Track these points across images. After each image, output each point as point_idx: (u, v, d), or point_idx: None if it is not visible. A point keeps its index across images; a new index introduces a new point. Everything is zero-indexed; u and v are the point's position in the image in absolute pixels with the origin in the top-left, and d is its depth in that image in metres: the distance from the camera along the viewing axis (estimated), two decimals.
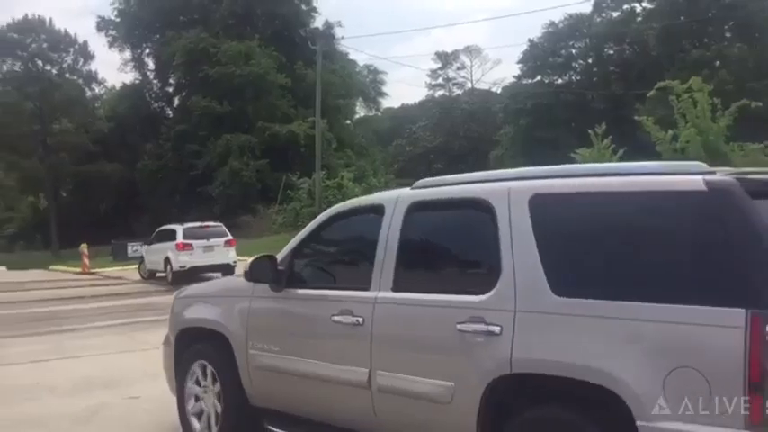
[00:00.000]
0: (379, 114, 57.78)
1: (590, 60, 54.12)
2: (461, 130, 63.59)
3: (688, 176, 3.16)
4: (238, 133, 37.53)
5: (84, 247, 26.30)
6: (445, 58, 71.57)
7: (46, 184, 41.86)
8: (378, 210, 4.28)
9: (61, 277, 23.29)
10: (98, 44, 75.07)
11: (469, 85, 72.61)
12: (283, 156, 36.35)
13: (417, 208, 4.07)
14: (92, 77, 44.29)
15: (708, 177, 3.07)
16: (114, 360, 8.73)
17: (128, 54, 44.76)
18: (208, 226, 20.56)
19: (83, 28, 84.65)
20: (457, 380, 3.54)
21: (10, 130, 40.06)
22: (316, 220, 4.86)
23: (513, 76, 58.37)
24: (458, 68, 72.40)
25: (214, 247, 19.19)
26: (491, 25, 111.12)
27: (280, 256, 4.78)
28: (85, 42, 43.27)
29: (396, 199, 4.21)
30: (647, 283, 3.12)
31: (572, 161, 24.33)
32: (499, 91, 66.26)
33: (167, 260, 19.35)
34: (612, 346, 3.06)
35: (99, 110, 44.71)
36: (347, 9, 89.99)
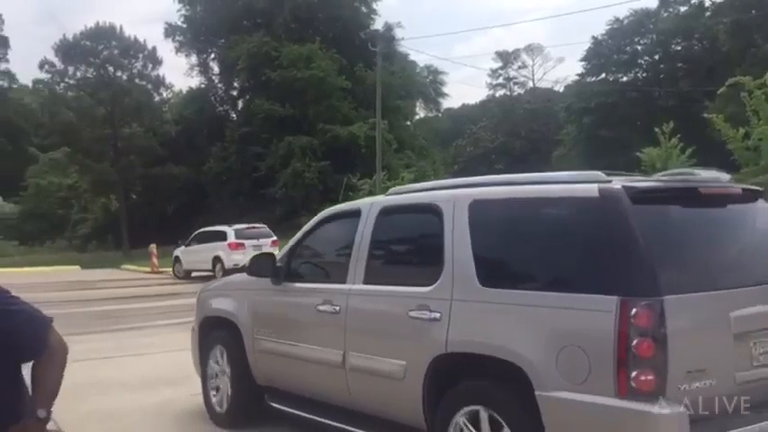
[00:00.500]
0: (440, 115, 57.59)
1: (656, 57, 52.66)
2: (523, 129, 62.86)
3: (587, 185, 3.64)
4: (300, 135, 37.98)
5: (153, 247, 27.16)
6: (506, 57, 70.83)
7: (117, 186, 43.25)
8: (356, 213, 4.96)
9: (131, 276, 24.10)
10: (166, 50, 77.53)
11: (531, 84, 71.69)
12: (344, 157, 36.62)
13: (386, 212, 4.75)
14: (160, 82, 45.49)
15: (602, 186, 3.57)
16: (178, 357, 8.97)
17: (194, 59, 45.85)
18: (255, 227, 22.39)
19: (151, 34, 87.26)
20: (408, 359, 4.16)
21: (84, 135, 41.61)
22: (309, 222, 5.59)
23: (577, 75, 57.34)
24: (519, 67, 71.58)
25: (262, 246, 20.27)
26: (553, 23, 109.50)
27: (279, 254, 5.65)
28: (154, 48, 44.54)
29: (370, 204, 4.94)
30: (548, 276, 3.72)
31: (638, 161, 23.76)
32: (562, 90, 65.28)
33: (217, 259, 21.00)
34: (519, 328, 3.61)
35: (166, 114, 45.83)
36: (407, 10, 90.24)
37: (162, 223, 38.24)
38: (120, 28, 44.29)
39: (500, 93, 72.80)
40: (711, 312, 3.45)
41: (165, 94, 47.28)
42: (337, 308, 4.73)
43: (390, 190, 5.27)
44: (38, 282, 22.58)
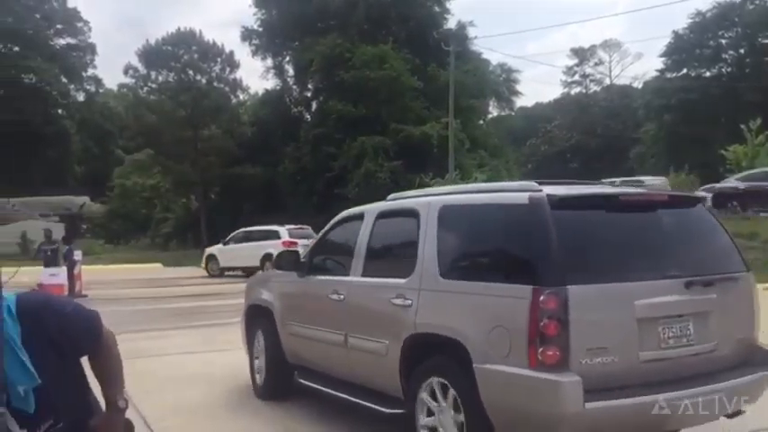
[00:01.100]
0: (513, 113, 56.90)
1: (742, 51, 50.50)
2: (599, 127, 61.37)
3: (521, 193, 4.38)
4: (373, 135, 38.21)
5: None
6: (582, 54, 69.39)
7: (196, 186, 44.61)
8: (360, 216, 5.88)
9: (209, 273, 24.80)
10: (243, 53, 79.40)
11: (608, 80, 70.02)
12: (417, 157, 36.65)
13: (381, 216, 5.68)
14: (237, 85, 46.58)
15: (531, 194, 4.27)
16: None
17: (269, 61, 46.70)
18: (302, 228, 24.39)
19: (229, 38, 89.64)
20: (389, 339, 4.97)
21: (165, 137, 43.11)
22: (328, 224, 6.51)
23: (656, 71, 55.60)
24: (595, 64, 70.05)
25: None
26: (631, 18, 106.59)
27: (304, 251, 6.77)
28: (231, 52, 45.66)
29: (371, 209, 5.87)
30: (488, 269, 4.51)
31: (722, 158, 22.87)
32: (640, 86, 63.37)
33: (268, 256, 21.91)
34: (464, 312, 4.39)
35: (243, 115, 46.85)
36: (480, 8, 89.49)
37: (239, 222, 39.14)
38: (200, 33, 45.62)
39: (575, 90, 71.41)
40: (614, 300, 4.08)
41: (241, 97, 48.39)
42: (342, 296, 5.64)
43: (389, 196, 6.08)
44: (122, 278, 23.62)
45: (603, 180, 32.39)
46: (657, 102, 51.60)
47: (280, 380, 6.64)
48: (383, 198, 6.20)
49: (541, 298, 3.89)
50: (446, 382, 4.46)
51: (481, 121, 45.15)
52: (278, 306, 6.63)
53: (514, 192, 4.52)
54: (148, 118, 44.14)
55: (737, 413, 4.49)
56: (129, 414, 6.19)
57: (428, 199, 5.23)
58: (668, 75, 52.90)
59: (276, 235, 23.56)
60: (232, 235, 26.12)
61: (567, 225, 4.16)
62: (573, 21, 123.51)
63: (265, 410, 6.50)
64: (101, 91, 57.52)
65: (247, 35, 46.28)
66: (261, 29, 46.16)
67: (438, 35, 41.15)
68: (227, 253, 25.12)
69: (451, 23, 44.19)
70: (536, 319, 3.89)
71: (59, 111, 49.77)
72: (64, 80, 50.92)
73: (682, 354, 4.20)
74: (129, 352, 8.42)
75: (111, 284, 21.89)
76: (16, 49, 49.10)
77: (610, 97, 65.45)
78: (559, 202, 4.20)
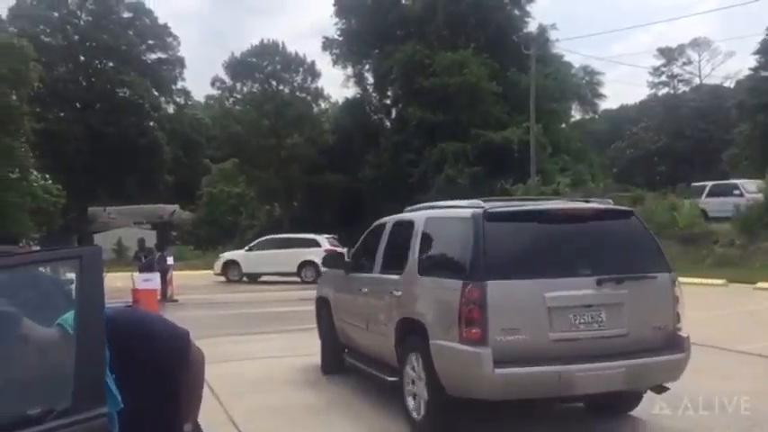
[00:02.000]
0: (597, 117, 55.43)
1: None
2: (688, 129, 59.01)
3: (469, 209, 5.68)
4: (453, 141, 38.13)
5: None
6: (669, 54, 67.01)
7: (280, 193, 45.65)
8: (384, 225, 7.37)
9: (294, 279, 25.27)
10: (323, 63, 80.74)
11: (697, 80, 67.31)
12: (497, 162, 36.32)
13: (395, 224, 7.13)
14: (318, 94, 47.40)
15: (473, 210, 5.61)
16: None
17: (349, 70, 47.29)
18: (334, 237, 26.50)
19: (310, 48, 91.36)
20: (389, 323, 6.36)
21: (250, 146, 44.37)
22: (367, 230, 7.94)
23: (750, 69, 52.91)
24: (683, 64, 67.49)
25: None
26: (721, 15, 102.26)
27: (350, 252, 8.84)
28: (313, 62, 46.53)
29: (391, 219, 7.35)
30: (444, 267, 5.87)
31: None
32: (732, 85, 60.61)
33: (308, 263, 24.33)
34: (426, 301, 5.84)
35: (324, 124, 47.58)
36: (561, 11, 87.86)
37: (321, 229, 39.78)
38: (282, 44, 46.70)
39: (663, 91, 69.01)
40: (527, 292, 5.26)
41: (323, 105, 49.21)
42: (366, 290, 7.15)
43: (406, 209, 7.38)
44: (211, 283, 24.37)
45: (694, 184, 31.21)
46: (751, 101, 49.16)
47: (334, 357, 8.21)
48: None
49: (467, 290, 5.18)
50: (419, 355, 5.72)
51: (563, 125, 44.25)
52: (332, 297, 8.28)
53: (467, 208, 5.76)
54: (234, 128, 45.52)
55: (663, 389, 5.71)
56: (218, 415, 6.41)
57: (423, 212, 6.66)
58: (762, 73, 50.38)
59: (315, 243, 25.23)
60: (257, 242, 27.13)
61: (496, 234, 5.40)
62: (659, 20, 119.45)
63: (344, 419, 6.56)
64: (189, 103, 59.68)
65: (328, 45, 47.05)
66: (341, 38, 46.84)
67: (518, 39, 40.65)
68: (254, 259, 25.81)
69: (532, 27, 43.61)
70: (463, 305, 5.18)
71: (151, 123, 51.84)
72: (155, 93, 53.06)
73: (592, 336, 5.34)
74: (217, 355, 8.76)
75: (200, 289, 22.68)
76: (111, 64, 51.58)
77: (699, 98, 62.85)
78: (492, 217, 5.49)
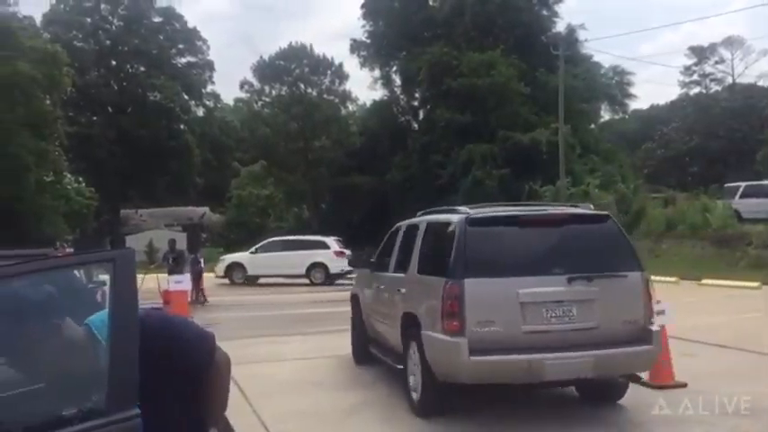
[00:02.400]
0: (627, 117, 54.78)
1: None
2: (721, 129, 57.95)
3: (458, 215, 6.42)
4: (480, 143, 37.95)
5: None
6: (701, 53, 65.92)
7: (308, 196, 45.89)
8: (400, 229, 8.12)
9: (300, 282, 25.27)
10: (351, 65, 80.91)
11: (730, 79, 66.10)
12: (526, 163, 36.07)
13: (407, 228, 7.83)
14: (346, 96, 47.55)
15: (459, 216, 6.36)
16: (369, 362, 9.33)
17: (377, 72, 47.36)
18: (340, 239, 26.63)
19: (338, 51, 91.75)
20: (396, 316, 7.09)
21: (279, 148, 44.68)
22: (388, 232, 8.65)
23: None
24: (715, 63, 66.28)
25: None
26: (755, 13, 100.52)
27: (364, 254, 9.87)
28: (341, 64, 46.71)
29: (405, 223, 8.03)
30: (434, 266, 6.42)
31: None
32: (767, 84, 59.48)
33: (318, 264, 24.81)
34: (420, 296, 6.55)
35: (352, 126, 47.72)
36: (590, 10, 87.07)
37: (348, 231, 39.87)
38: (310, 47, 46.94)
39: (694, 91, 67.95)
40: (501, 289, 5.88)
41: (350, 108, 49.34)
42: (383, 287, 7.95)
43: (417, 213, 7.92)
44: (213, 285, 24.30)
45: (727, 184, 30.67)
46: None
47: (363, 348, 8.77)
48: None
49: (447, 286, 5.87)
50: (416, 345, 6.39)
51: (593, 126, 43.79)
52: (361, 294, 9.06)
53: (457, 214, 6.48)
54: (262, 131, 45.87)
55: (637, 378, 6.41)
56: (248, 417, 6.46)
57: (426, 217, 7.41)
58: None
59: (324, 245, 25.50)
60: (262, 244, 26.77)
61: (476, 237, 6.07)
62: (691, 19, 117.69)
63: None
64: (218, 106, 60.29)
65: (356, 47, 47.19)
66: (369, 40, 46.93)
67: (546, 39, 40.34)
68: (260, 261, 25.35)
69: (560, 27, 43.24)
70: (444, 300, 5.86)
71: (181, 126, 52.49)
72: (185, 97, 53.69)
73: (563, 329, 5.88)
74: (247, 356, 8.84)
75: (229, 290, 22.86)
76: (142, 68, 52.34)
77: (733, 97, 61.74)
78: (473, 222, 6.19)
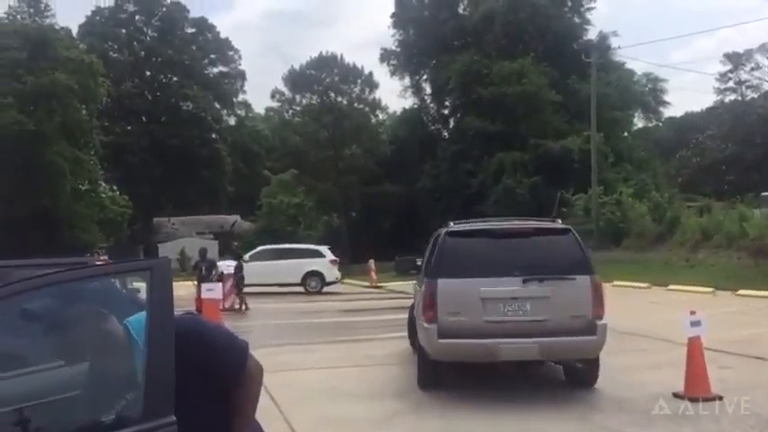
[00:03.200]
0: (660, 124, 54.02)
1: None
2: (758, 136, 56.82)
3: (445, 228, 7.95)
4: (511, 151, 37.77)
5: (371, 263, 28.44)
6: (736, 59, 64.75)
7: (338, 204, 46.04)
8: (432, 236, 8.77)
9: (353, 290, 25.36)
10: (381, 74, 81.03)
11: (766, 86, 64.79)
12: (557, 172, 35.77)
13: (435, 237, 8.45)
14: (376, 105, 47.63)
15: (444, 229, 7.94)
16: (398, 371, 9.31)
17: (407, 81, 47.44)
18: (333, 248, 26.89)
19: (368, 60, 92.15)
20: (411, 309, 9.47)
21: (309, 157, 44.90)
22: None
23: None
24: (752, 69, 65.01)
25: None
26: None
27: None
28: (371, 73, 46.82)
29: (436, 232, 8.63)
30: (426, 268, 8.02)
31: None
32: None
33: (314, 273, 24.72)
34: (419, 292, 8.16)
35: (382, 134, 47.76)
36: (622, 17, 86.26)
37: (379, 239, 39.86)
38: (341, 56, 47.12)
39: (730, 98, 66.75)
40: (466, 287, 7.22)
41: (380, 116, 49.39)
42: (418, 288, 8.78)
43: (450, 223, 8.38)
44: (270, 291, 24.51)
45: (764, 193, 30.05)
46: None
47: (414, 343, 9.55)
48: (523, 215, 8.55)
49: (427, 284, 7.46)
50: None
51: (626, 134, 43.26)
52: (416, 295, 9.54)
53: (449, 228, 7.90)
54: (293, 139, 46.13)
55: (586, 362, 7.55)
56: (280, 425, 6.45)
57: (444, 229, 8.07)
58: None
59: (319, 254, 25.59)
60: (254, 252, 26.35)
61: (453, 247, 7.61)
62: (724, 26, 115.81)
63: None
64: (250, 115, 60.87)
65: (386, 56, 47.32)
66: (399, 49, 47.04)
67: (578, 47, 40.06)
68: (254, 269, 23.69)
69: (592, 34, 42.90)
70: (425, 295, 7.44)
71: (213, 135, 53.11)
72: (217, 106, 54.34)
73: (517, 320, 7.16)
74: (277, 364, 8.86)
75: (259, 299, 22.96)
76: (175, 79, 53.10)
77: None
78: (452, 234, 7.78)
